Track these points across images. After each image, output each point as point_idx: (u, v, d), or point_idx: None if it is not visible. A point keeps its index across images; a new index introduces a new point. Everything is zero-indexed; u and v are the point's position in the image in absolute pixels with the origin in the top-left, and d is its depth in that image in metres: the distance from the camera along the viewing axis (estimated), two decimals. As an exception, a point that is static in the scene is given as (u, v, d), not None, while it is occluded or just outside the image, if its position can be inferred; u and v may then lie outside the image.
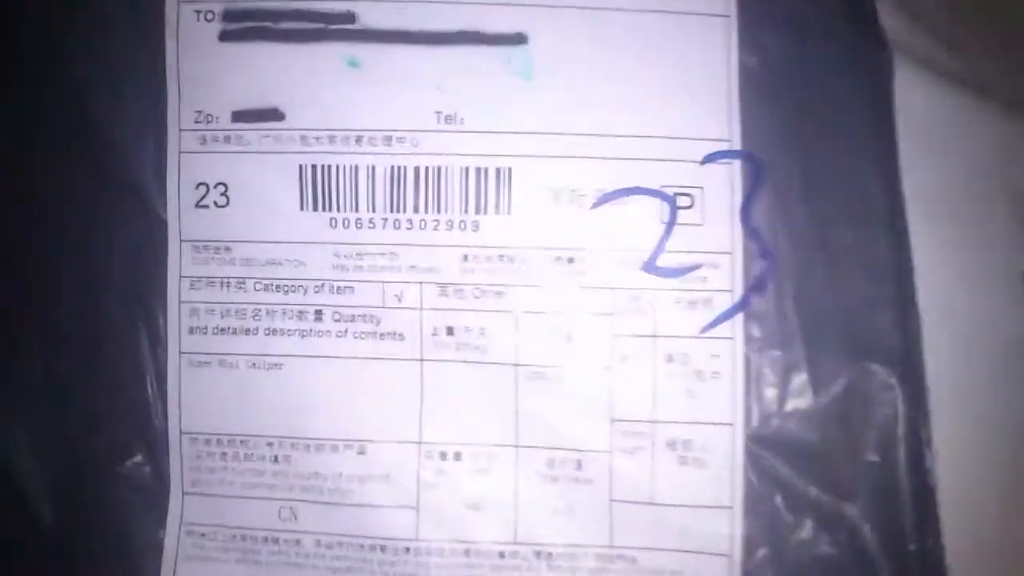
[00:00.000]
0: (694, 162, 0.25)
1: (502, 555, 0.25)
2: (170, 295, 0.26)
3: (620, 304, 0.25)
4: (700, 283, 0.25)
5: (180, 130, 0.25)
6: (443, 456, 0.26)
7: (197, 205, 0.26)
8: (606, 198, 0.25)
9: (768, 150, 0.25)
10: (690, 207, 0.25)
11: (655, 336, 0.25)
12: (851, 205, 0.25)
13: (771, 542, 0.24)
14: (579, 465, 0.25)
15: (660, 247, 0.25)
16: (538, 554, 0.25)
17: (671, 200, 0.25)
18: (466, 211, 0.25)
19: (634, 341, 0.25)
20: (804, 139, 0.25)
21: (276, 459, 0.26)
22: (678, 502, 0.24)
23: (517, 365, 0.26)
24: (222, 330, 0.26)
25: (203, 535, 0.26)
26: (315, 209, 0.25)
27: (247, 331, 0.26)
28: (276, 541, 0.26)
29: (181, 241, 0.26)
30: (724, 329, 0.25)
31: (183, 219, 0.26)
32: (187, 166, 0.26)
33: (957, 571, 0.24)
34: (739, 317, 0.25)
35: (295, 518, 0.26)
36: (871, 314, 0.25)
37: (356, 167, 0.25)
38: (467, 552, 0.25)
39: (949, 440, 0.25)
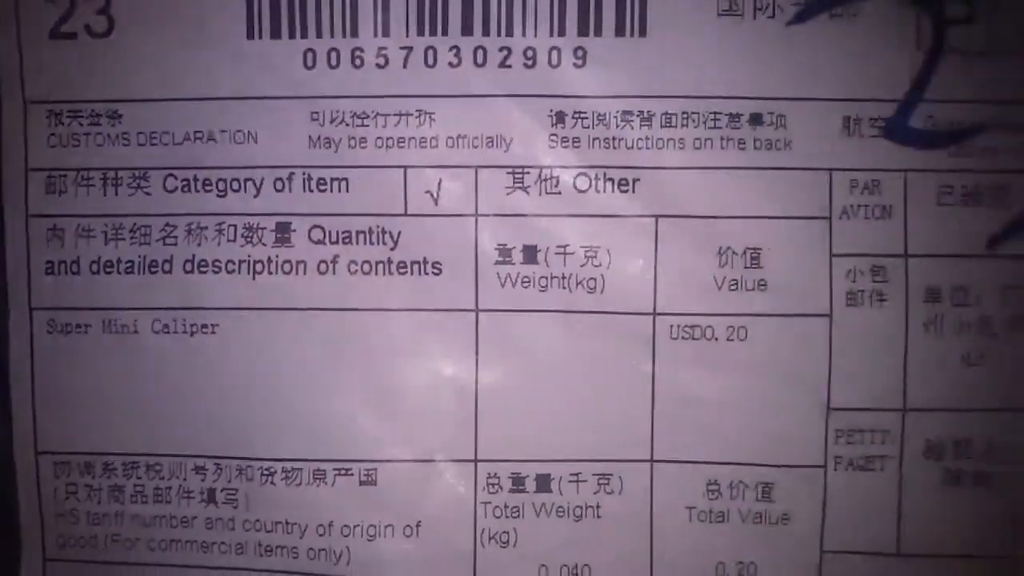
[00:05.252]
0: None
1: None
2: (9, 203, 0.15)
3: (844, 198, 0.14)
4: (987, 158, 0.14)
5: None
6: (518, 483, 0.14)
7: (53, 34, 0.14)
8: (820, 4, 0.14)
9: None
10: (968, 21, 0.14)
11: (906, 255, 0.14)
12: None
13: None
14: (766, 491, 0.14)
15: (916, 94, 0.14)
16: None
17: (935, 8, 0.14)
18: (562, 31, 0.14)
19: (869, 265, 0.14)
20: None
21: (213, 496, 0.15)
22: (944, 550, 0.14)
23: (656, 315, 0.14)
24: (107, 266, 0.15)
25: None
26: (276, 35, 0.14)
27: (152, 267, 0.14)
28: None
29: (26, 102, 0.15)
30: (1030, 242, 0.15)
31: (26, 57, 0.15)
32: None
33: None
34: (1058, 220, 0.15)
35: (254, 603, 0.14)
36: None
37: (349, -43, 0.14)
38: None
39: None
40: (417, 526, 0.14)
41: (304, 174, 0.14)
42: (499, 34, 0.14)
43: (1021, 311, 0.14)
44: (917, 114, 0.14)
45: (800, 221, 0.14)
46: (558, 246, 0.14)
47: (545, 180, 0.14)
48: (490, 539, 0.14)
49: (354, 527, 0.14)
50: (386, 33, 0.14)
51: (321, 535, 0.14)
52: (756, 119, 0.14)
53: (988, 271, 0.14)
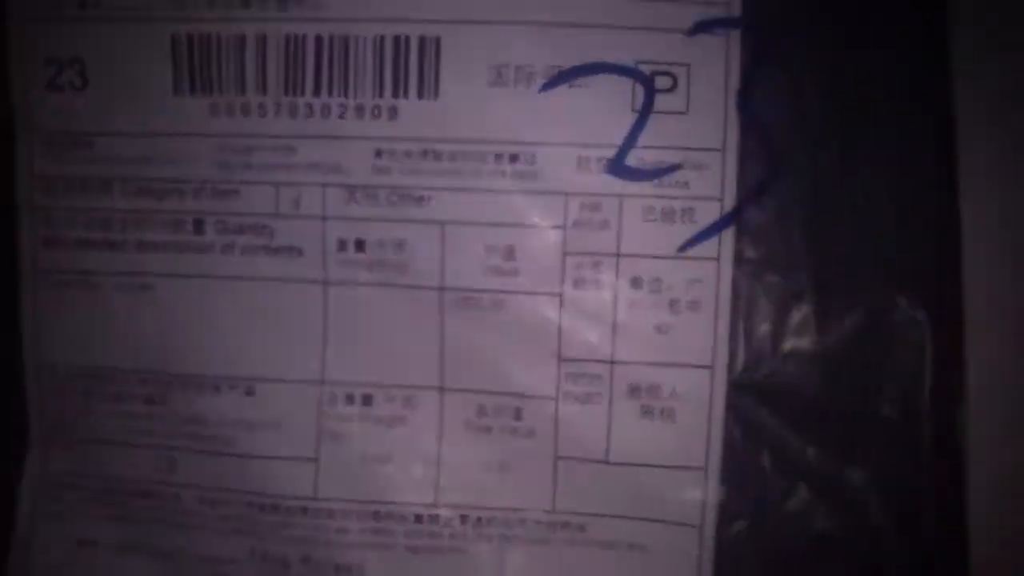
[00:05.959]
0: (679, 31, 0.20)
1: (419, 519, 0.21)
2: (20, 199, 0.22)
3: (575, 214, 0.20)
4: (680, 188, 0.20)
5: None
6: (349, 399, 0.21)
7: (49, 86, 0.21)
8: (562, 78, 0.20)
9: (775, 18, 0.20)
10: (672, 90, 0.20)
11: (618, 255, 0.20)
12: (882, 88, 0.19)
13: (753, 512, 0.20)
14: (518, 414, 0.21)
15: (630, 141, 0.20)
16: (464, 519, 0.21)
17: (647, 80, 0.20)
18: (381, 94, 0.20)
19: (591, 261, 0.20)
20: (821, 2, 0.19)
21: (150, 399, 0.22)
22: (639, 460, 0.21)
23: (443, 289, 0.20)
24: (84, 243, 0.21)
25: (68, 488, 0.22)
26: (192, 92, 0.21)
27: (112, 244, 0.21)
28: (152, 495, 0.22)
29: (31, 132, 0.22)
30: (708, 248, 0.20)
31: (32, 104, 0.22)
32: (35, 38, 0.21)
33: (983, 559, 0.19)
34: (728, 233, 0.20)
35: (173, 469, 0.22)
36: (899, 230, 0.19)
37: (243, 37, 0.21)
38: (376, 515, 0.21)
39: (986, 394, 0.20)
40: (278, 424, 0.21)
41: (212, 186, 0.21)
42: (339, 95, 0.20)
43: (699, 297, 0.20)
44: (631, 156, 0.20)
45: (543, 228, 0.20)
46: (378, 240, 0.21)
47: (370, 196, 0.20)
48: (328, 436, 0.21)
49: (237, 422, 0.21)
50: (264, 93, 0.20)
51: (218, 429, 0.21)
52: (514, 157, 0.20)
53: (677, 268, 0.20)
